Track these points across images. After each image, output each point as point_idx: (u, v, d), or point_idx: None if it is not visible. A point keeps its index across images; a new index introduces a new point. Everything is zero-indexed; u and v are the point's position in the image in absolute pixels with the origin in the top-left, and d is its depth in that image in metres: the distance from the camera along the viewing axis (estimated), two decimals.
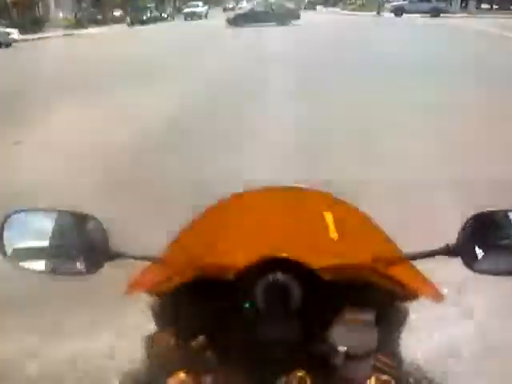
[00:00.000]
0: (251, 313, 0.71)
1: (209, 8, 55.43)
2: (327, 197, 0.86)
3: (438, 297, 0.73)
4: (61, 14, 48.64)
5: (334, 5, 66.04)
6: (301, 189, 0.88)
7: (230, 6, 64.96)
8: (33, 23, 36.68)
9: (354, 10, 50.94)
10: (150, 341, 0.75)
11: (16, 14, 37.56)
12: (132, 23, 42.70)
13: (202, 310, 0.73)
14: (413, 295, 0.73)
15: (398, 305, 0.75)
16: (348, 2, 60.70)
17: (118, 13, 51.84)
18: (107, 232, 0.79)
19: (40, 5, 44.26)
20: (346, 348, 0.69)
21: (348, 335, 0.70)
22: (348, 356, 0.69)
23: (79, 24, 41.11)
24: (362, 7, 51.18)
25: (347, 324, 0.70)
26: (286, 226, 0.77)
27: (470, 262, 0.75)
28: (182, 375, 0.71)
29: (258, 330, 0.73)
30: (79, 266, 0.79)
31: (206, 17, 49.49)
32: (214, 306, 0.73)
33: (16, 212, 0.83)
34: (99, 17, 47.89)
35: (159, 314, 0.79)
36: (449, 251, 0.77)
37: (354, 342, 0.69)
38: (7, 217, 0.82)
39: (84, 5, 49.93)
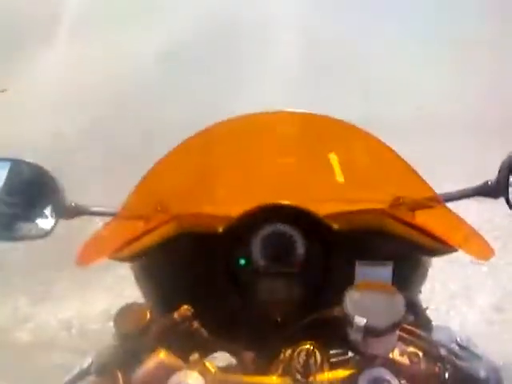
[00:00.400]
0: (246, 271, 0.59)
1: None
2: (339, 125, 0.68)
3: (485, 252, 0.56)
4: None
5: None
6: (305, 114, 0.70)
7: None
8: None
9: None
10: (122, 314, 0.61)
11: None
12: None
13: (185, 274, 0.60)
14: (447, 248, 0.59)
15: (422, 258, 0.62)
16: None
17: None
18: (63, 187, 0.67)
19: None
20: (364, 321, 0.54)
21: (366, 303, 0.55)
22: (367, 330, 0.54)
23: None
24: None
25: (363, 290, 0.55)
26: (285, 166, 0.63)
27: None
28: (161, 355, 0.56)
29: (255, 292, 0.60)
30: (31, 226, 0.68)
31: None
32: (199, 266, 0.60)
33: None
34: None
35: (135, 280, 0.66)
36: (489, 190, 0.63)
37: (375, 314, 0.54)
38: None
39: None
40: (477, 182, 0.65)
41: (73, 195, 0.69)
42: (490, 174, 0.64)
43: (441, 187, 0.66)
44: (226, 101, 3.76)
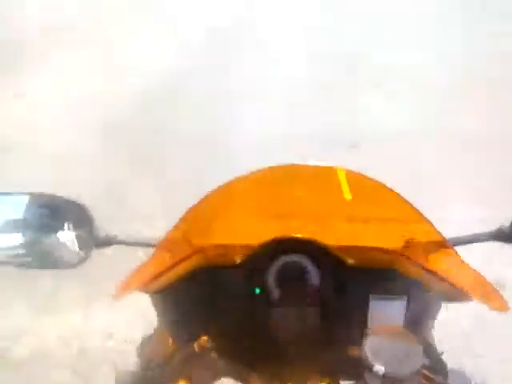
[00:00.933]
0: (262, 302, 0.61)
1: None
2: (346, 173, 0.74)
3: (499, 305, 0.55)
4: None
5: None
6: (314, 165, 0.78)
7: None
8: None
9: None
10: (145, 344, 0.62)
11: None
12: None
13: (204, 305, 0.62)
14: (460, 296, 0.58)
15: (435, 297, 0.63)
16: None
17: None
18: (92, 215, 0.70)
19: None
20: (383, 369, 0.53)
21: (385, 350, 0.55)
22: (386, 377, 0.54)
23: None
24: None
25: (383, 335, 0.56)
26: (299, 205, 0.66)
27: None
28: None
29: (270, 322, 0.61)
30: (61, 258, 0.69)
31: None
32: (218, 298, 0.61)
33: None
34: None
35: (158, 311, 0.67)
36: (504, 235, 0.63)
37: (394, 362, 0.54)
38: None
39: None
40: None
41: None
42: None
43: None
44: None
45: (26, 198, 0.71)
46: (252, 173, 0.74)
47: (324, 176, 0.75)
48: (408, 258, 0.58)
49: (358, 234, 0.61)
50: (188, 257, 0.60)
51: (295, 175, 0.74)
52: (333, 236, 0.58)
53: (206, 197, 0.72)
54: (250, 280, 0.60)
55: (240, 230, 0.62)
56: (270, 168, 0.74)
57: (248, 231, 0.60)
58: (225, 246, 0.59)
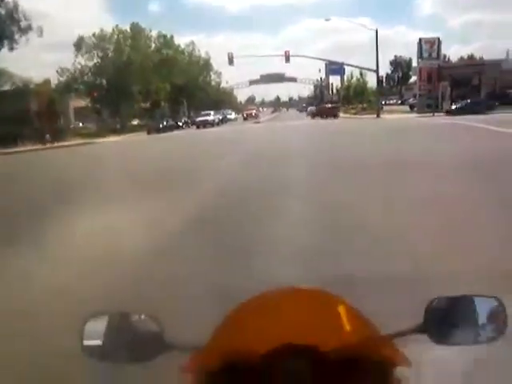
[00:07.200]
0: None
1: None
2: (331, 296, 0.94)
3: (408, 364, 0.80)
4: (81, 124, 52.44)
5: None
6: (310, 289, 0.98)
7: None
8: (54, 132, 39.19)
9: (355, 113, 54.37)
10: None
11: (38, 124, 40.16)
12: (149, 132, 45.85)
13: None
14: (394, 365, 0.80)
15: (390, 375, 0.80)
16: (350, 106, 64.64)
17: (135, 122, 55.84)
18: (162, 327, 0.95)
19: (61, 116, 47.64)
20: None
21: None
22: None
23: (99, 133, 43.77)
24: (363, 111, 54.56)
25: None
26: (300, 318, 0.83)
27: (436, 337, 0.90)
28: None
29: None
30: (137, 357, 0.96)
31: (217, 124, 53.03)
32: None
33: (91, 317, 1.00)
34: (118, 126, 51.24)
35: None
36: (419, 329, 0.90)
37: None
38: (85, 322, 0.99)
39: (103, 115, 53.80)
40: None
41: None
42: None
43: None
44: None
45: (118, 316, 1.01)
46: (266, 293, 0.94)
47: (314, 297, 0.95)
48: (368, 348, 0.78)
49: (340, 338, 0.79)
50: (219, 354, 0.77)
51: (294, 297, 0.94)
52: (323, 340, 0.74)
53: (232, 313, 0.91)
54: (260, 379, 0.73)
55: (256, 339, 0.78)
56: (280, 291, 0.95)
57: (262, 340, 0.75)
58: (241, 351, 0.75)
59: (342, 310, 0.87)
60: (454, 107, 38.08)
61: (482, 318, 0.92)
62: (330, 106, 57.62)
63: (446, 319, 0.91)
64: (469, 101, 38.48)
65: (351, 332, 0.82)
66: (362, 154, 14.51)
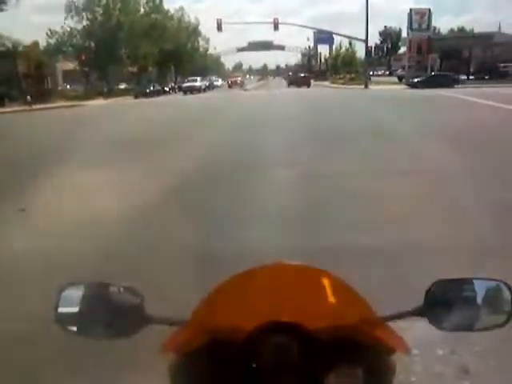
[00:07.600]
0: (257, 373, 0.71)
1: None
2: (320, 272, 0.87)
3: (406, 350, 0.77)
4: (68, 87, 51.97)
5: (324, 79, 70.39)
6: (298, 265, 0.90)
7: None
8: (41, 95, 39.03)
9: (343, 83, 54.47)
10: None
11: (26, 85, 39.94)
12: (136, 96, 45.74)
13: (210, 377, 0.75)
14: (389, 351, 0.77)
15: (383, 360, 0.77)
16: (338, 76, 64.72)
17: (122, 86, 55.46)
18: (143, 299, 0.88)
19: (49, 78, 47.23)
20: None
21: None
22: None
23: (86, 96, 43.58)
24: (351, 81, 54.68)
25: (338, 379, 0.72)
26: (287, 295, 0.79)
27: (435, 321, 0.84)
28: None
29: None
30: (115, 331, 0.89)
31: (204, 91, 53.04)
32: (222, 370, 0.73)
33: (68, 285, 0.92)
34: (105, 89, 50.85)
35: (173, 375, 0.80)
36: (417, 313, 0.85)
37: None
38: (62, 290, 0.91)
39: (91, 78, 53.28)
40: None
41: None
42: None
43: None
44: None
45: (96, 286, 0.92)
46: (256, 269, 0.86)
47: (304, 274, 0.88)
48: (361, 330, 0.74)
49: (329, 318, 0.75)
50: (198, 333, 0.75)
51: (284, 274, 0.87)
52: (311, 319, 0.71)
53: (220, 286, 0.85)
54: (247, 355, 0.71)
55: (242, 316, 0.74)
56: (270, 266, 0.87)
57: (248, 317, 0.72)
58: (228, 327, 0.73)
59: (332, 287, 0.83)
60: (416, 80, 37.83)
61: (488, 304, 0.85)
62: (302, 75, 63.58)
63: (447, 303, 0.84)
64: (433, 73, 38.39)
65: (342, 311, 0.78)
66: None
